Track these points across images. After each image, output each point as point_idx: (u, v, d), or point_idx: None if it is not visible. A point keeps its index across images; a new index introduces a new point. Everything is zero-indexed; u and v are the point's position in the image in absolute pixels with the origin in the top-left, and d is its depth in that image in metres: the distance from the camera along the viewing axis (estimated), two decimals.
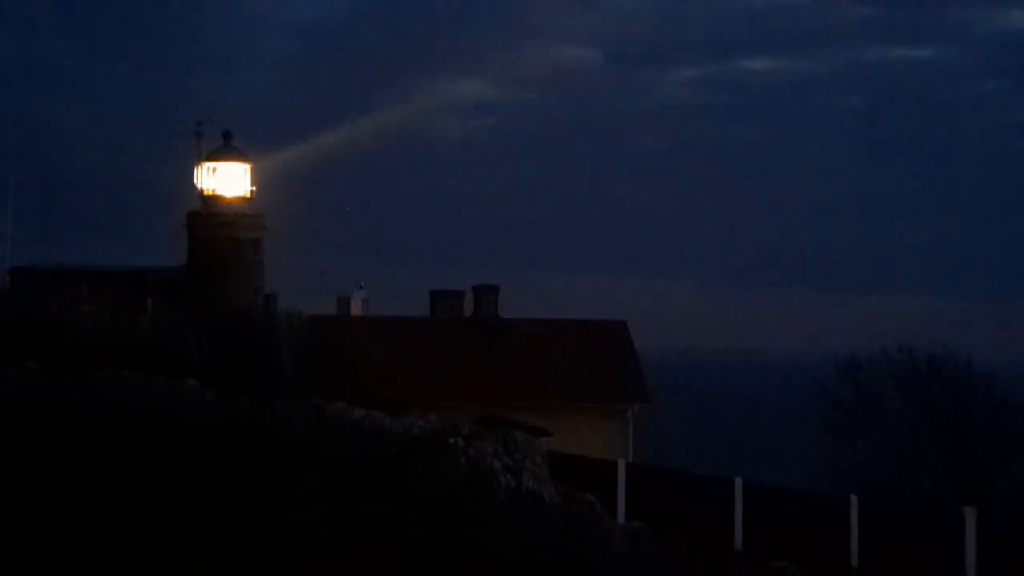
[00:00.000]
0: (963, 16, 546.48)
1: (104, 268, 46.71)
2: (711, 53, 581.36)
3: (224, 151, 49.02)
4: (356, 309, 57.76)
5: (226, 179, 48.74)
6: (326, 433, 18.04)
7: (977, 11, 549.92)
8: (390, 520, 14.15)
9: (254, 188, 48.94)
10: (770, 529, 23.44)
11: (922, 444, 34.78)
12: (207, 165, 48.88)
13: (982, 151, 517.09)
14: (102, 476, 13.80)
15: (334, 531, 13.39)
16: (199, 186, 48.83)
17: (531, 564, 14.01)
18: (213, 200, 48.50)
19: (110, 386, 19.52)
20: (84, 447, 14.78)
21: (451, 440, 20.08)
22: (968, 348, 37.99)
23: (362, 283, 61.32)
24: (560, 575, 14.41)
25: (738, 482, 24.45)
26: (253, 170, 49.17)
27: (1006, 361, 47.42)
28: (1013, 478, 33.81)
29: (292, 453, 15.98)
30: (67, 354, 24.16)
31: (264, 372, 31.99)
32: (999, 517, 30.01)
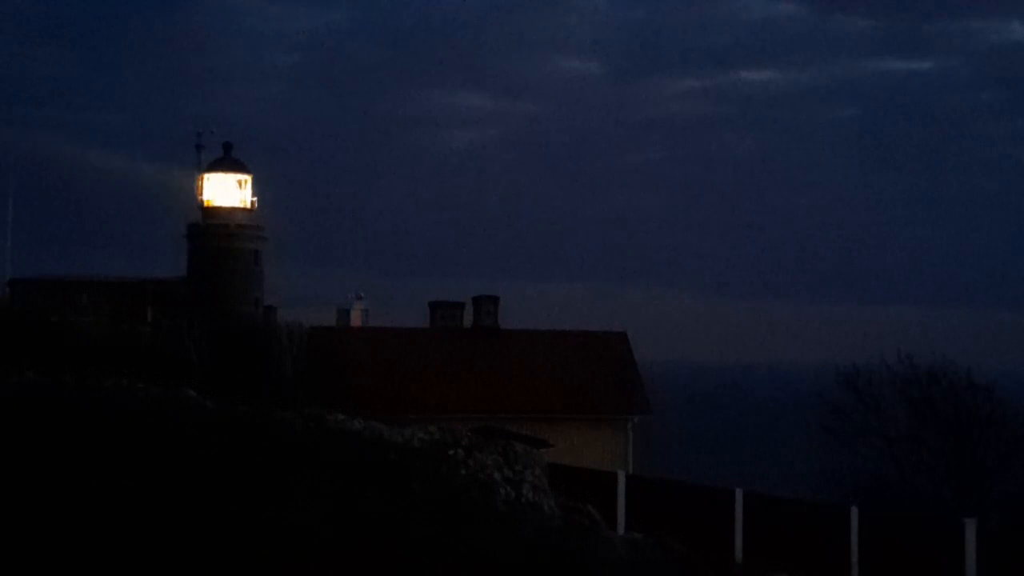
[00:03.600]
0: (961, 28, 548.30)
1: (104, 278, 46.69)
2: (710, 64, 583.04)
3: (224, 163, 49.06)
4: (356, 320, 57.80)
5: (226, 190, 48.74)
6: (325, 443, 18.01)
7: (975, 23, 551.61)
8: (390, 523, 14.14)
9: (254, 199, 48.93)
10: (771, 538, 23.41)
11: (922, 450, 34.78)
12: (208, 176, 48.90)
13: (981, 161, 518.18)
14: (101, 478, 13.79)
15: (334, 535, 13.38)
16: (200, 197, 48.84)
17: (530, 569, 13.99)
18: (213, 211, 48.50)
19: (109, 393, 19.50)
20: (82, 450, 14.78)
21: (451, 451, 20.02)
22: (967, 356, 38.03)
23: (362, 294, 61.44)
24: None
25: (738, 492, 24.43)
26: (253, 181, 49.19)
27: (1005, 369, 47.41)
28: (1012, 483, 33.80)
29: (292, 454, 15.98)
30: (66, 362, 24.13)
31: (264, 381, 31.97)
32: (998, 521, 30.01)
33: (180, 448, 15.07)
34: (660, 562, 17.93)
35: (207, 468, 14.31)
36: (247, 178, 48.88)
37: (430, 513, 14.49)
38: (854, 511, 22.22)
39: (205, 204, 48.52)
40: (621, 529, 25.25)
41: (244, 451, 15.32)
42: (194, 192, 48.92)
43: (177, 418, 16.91)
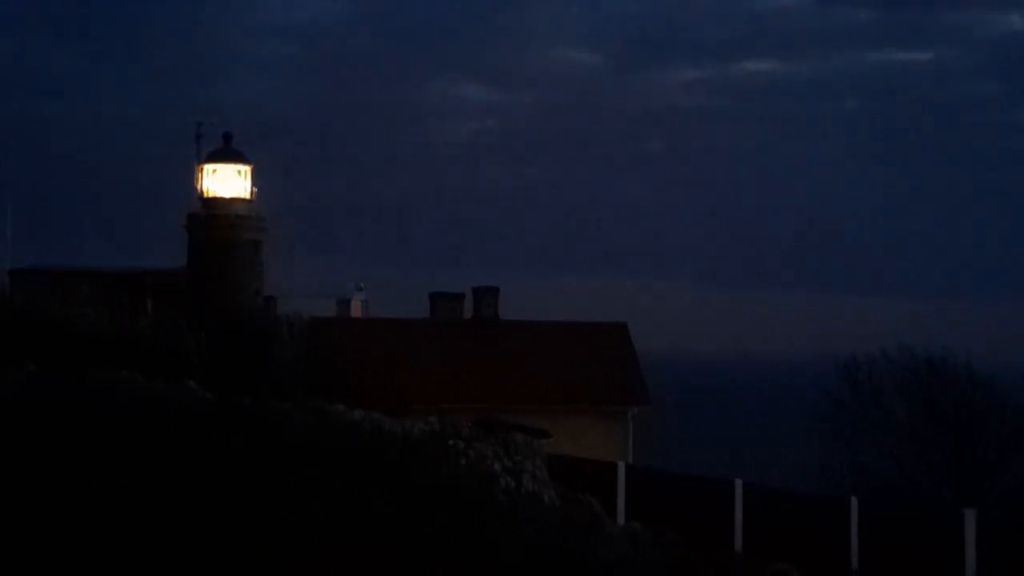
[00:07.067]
0: (962, 19, 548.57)
1: (104, 270, 46.61)
2: (712, 56, 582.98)
3: (224, 153, 48.93)
4: (356, 311, 57.82)
5: (226, 181, 48.66)
6: (326, 434, 18.04)
7: (976, 14, 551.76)
8: (390, 522, 14.16)
9: (254, 190, 48.86)
10: (770, 530, 23.44)
11: (922, 444, 34.80)
12: (207, 167, 48.80)
13: (981, 152, 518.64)
14: (101, 478, 13.80)
15: (334, 535, 13.40)
16: (199, 188, 48.76)
17: (531, 564, 14.02)
18: (213, 202, 48.41)
19: (109, 386, 19.51)
20: (82, 450, 14.79)
21: (451, 442, 20.04)
22: (968, 349, 38.03)
23: (362, 285, 61.47)
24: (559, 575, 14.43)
25: (738, 484, 24.46)
26: (253, 172, 49.11)
27: (1005, 362, 47.41)
28: (1013, 478, 33.82)
29: (291, 453, 16.00)
30: (66, 355, 24.11)
31: (264, 373, 31.96)
32: (999, 516, 30.01)
33: (180, 448, 15.08)
34: (660, 560, 17.95)
35: (207, 467, 14.32)
36: (247, 168, 48.79)
37: (431, 513, 14.51)
38: (854, 501, 22.30)
39: (205, 195, 48.44)
40: (621, 519, 25.31)
41: (244, 450, 15.34)
42: (193, 182, 48.82)
43: (177, 417, 16.94)
